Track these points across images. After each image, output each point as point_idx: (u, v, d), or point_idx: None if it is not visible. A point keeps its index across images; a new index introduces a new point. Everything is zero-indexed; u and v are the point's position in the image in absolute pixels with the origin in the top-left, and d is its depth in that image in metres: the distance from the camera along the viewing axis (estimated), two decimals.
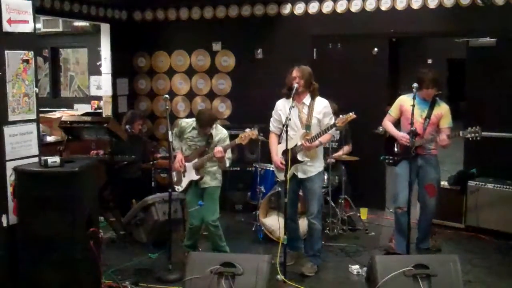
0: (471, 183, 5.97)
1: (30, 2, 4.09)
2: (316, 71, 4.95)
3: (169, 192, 4.84)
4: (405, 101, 5.17)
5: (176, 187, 5.09)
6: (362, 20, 6.69)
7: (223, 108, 7.51)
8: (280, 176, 4.91)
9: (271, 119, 5.01)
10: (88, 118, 6.36)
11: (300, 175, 4.80)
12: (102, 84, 7.88)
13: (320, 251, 4.98)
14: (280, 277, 4.31)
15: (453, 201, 6.02)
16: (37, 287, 3.85)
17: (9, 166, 3.94)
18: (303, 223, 5.23)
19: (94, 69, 9.11)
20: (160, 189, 5.75)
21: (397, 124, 5.32)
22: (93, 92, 9.17)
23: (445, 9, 6.29)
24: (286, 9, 7.07)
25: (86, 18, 7.40)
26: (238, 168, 6.80)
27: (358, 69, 6.81)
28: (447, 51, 14.10)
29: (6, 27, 3.92)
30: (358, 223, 6.25)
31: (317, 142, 4.66)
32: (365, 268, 4.49)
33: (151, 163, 5.99)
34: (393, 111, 5.26)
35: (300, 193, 5.03)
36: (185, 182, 5.04)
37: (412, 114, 4.69)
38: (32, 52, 4.14)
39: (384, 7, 6.58)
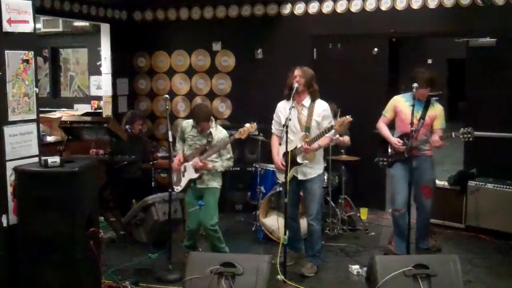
0: (471, 183, 5.97)
1: (30, 2, 4.09)
2: (316, 71, 4.94)
3: (169, 192, 4.85)
4: (399, 101, 5.14)
5: (175, 187, 5.07)
6: (362, 20, 6.69)
7: (223, 108, 7.51)
8: (281, 178, 4.92)
9: (273, 121, 5.02)
10: (88, 118, 6.37)
11: (300, 177, 4.80)
12: (102, 84, 7.88)
13: (320, 251, 4.98)
14: (280, 277, 4.31)
15: (453, 201, 6.03)
16: (37, 287, 3.85)
17: (9, 166, 3.94)
18: (303, 223, 5.23)
19: (94, 69, 9.11)
20: (160, 189, 5.76)
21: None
22: (93, 92, 9.18)
23: (445, 9, 6.29)
24: (286, 9, 7.07)
25: (86, 18, 7.40)
26: (238, 168, 6.79)
27: (358, 69, 6.81)
28: (447, 51, 14.12)
29: (6, 27, 3.92)
30: (358, 223, 6.25)
31: (316, 145, 4.66)
32: (365, 268, 4.49)
33: (151, 163, 5.99)
34: (387, 112, 5.21)
35: (301, 193, 5.03)
36: (184, 182, 5.02)
37: (412, 114, 4.68)
38: (32, 52, 4.14)
39: (384, 7, 6.58)
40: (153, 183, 6.00)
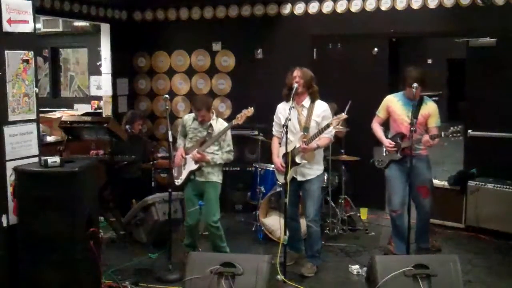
0: (471, 183, 5.97)
1: (30, 2, 4.09)
2: (316, 71, 4.95)
3: (169, 192, 4.84)
4: (391, 101, 5.11)
5: (176, 181, 5.04)
6: (362, 20, 6.69)
7: (223, 108, 7.51)
8: (280, 179, 4.92)
9: (273, 123, 5.01)
10: (88, 118, 6.37)
11: (299, 178, 4.80)
12: (102, 84, 7.88)
13: (320, 251, 4.98)
14: (280, 277, 4.31)
15: (453, 201, 6.03)
16: (37, 287, 3.85)
17: (9, 166, 3.94)
18: (303, 224, 5.23)
19: (94, 69, 9.12)
20: (160, 189, 5.75)
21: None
22: (93, 92, 9.18)
23: (445, 9, 6.29)
24: (286, 9, 7.07)
25: (86, 18, 7.39)
26: (238, 168, 6.81)
27: (358, 69, 6.81)
28: (447, 51, 14.12)
29: (6, 27, 3.92)
30: (358, 223, 6.25)
31: (314, 145, 4.66)
32: (365, 268, 4.49)
33: (151, 163, 5.99)
34: (380, 111, 5.19)
35: (300, 193, 5.02)
36: (184, 174, 4.98)
37: (413, 113, 4.68)
38: (32, 52, 4.14)
39: (384, 7, 6.58)
40: (153, 183, 5.99)
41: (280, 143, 4.87)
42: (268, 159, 5.31)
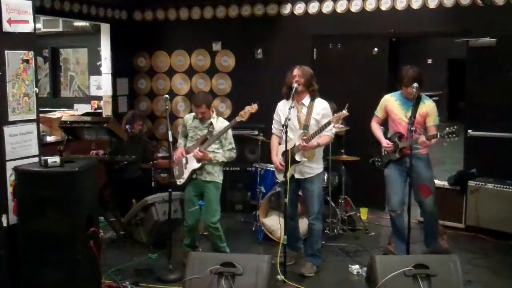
0: (471, 183, 5.97)
1: (30, 2, 4.09)
2: (316, 71, 4.94)
3: (169, 192, 4.84)
4: (389, 100, 5.09)
5: (178, 181, 5.03)
6: (362, 20, 6.69)
7: (223, 108, 7.51)
8: (280, 177, 4.92)
9: (273, 121, 5.01)
10: (88, 118, 6.36)
11: (297, 176, 4.80)
12: (102, 84, 7.88)
13: (320, 251, 4.98)
14: (280, 277, 4.32)
15: (453, 201, 6.03)
16: (37, 287, 3.85)
17: (9, 166, 3.94)
18: (302, 223, 5.23)
19: (94, 69, 9.11)
20: (160, 189, 5.75)
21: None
22: (93, 92, 9.17)
23: (445, 9, 6.29)
24: (286, 9, 7.07)
25: (86, 18, 7.39)
26: (238, 168, 6.81)
27: (358, 69, 6.81)
28: (447, 51, 14.12)
29: (6, 27, 3.92)
30: (358, 223, 6.25)
31: (314, 143, 4.66)
32: (365, 268, 4.49)
33: (151, 163, 5.99)
34: (378, 111, 5.18)
35: (300, 193, 5.02)
36: (186, 173, 4.96)
37: (413, 113, 4.68)
38: (32, 52, 4.14)
39: (384, 7, 6.58)
40: (153, 183, 5.99)
41: (280, 143, 4.87)
42: (268, 159, 5.30)
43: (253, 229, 6.03)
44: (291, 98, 4.62)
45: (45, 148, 5.01)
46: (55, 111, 8.57)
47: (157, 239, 5.43)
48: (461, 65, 6.93)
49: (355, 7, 6.72)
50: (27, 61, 4.09)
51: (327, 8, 6.85)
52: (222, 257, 3.82)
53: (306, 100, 4.80)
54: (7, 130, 3.96)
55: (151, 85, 7.99)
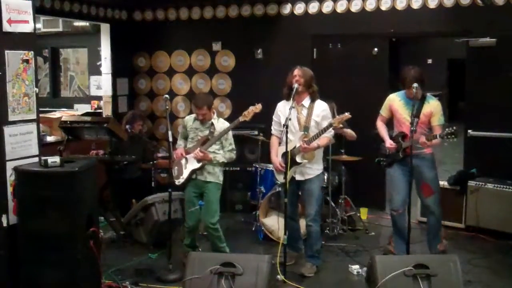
0: (471, 183, 5.97)
1: (30, 2, 4.09)
2: (316, 71, 4.95)
3: (169, 192, 4.84)
4: (393, 100, 5.09)
5: (177, 181, 5.02)
6: (362, 20, 6.69)
7: (223, 108, 7.51)
8: (279, 178, 4.92)
9: (272, 122, 5.01)
10: (88, 118, 6.36)
11: (298, 177, 4.80)
12: (102, 84, 7.88)
13: (320, 251, 4.98)
14: (280, 277, 4.32)
15: (453, 201, 6.03)
16: (37, 287, 3.85)
17: (9, 166, 3.94)
18: (303, 224, 5.23)
19: (94, 69, 9.11)
20: (160, 189, 5.75)
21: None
22: (93, 92, 9.17)
23: (445, 9, 6.29)
24: (286, 9, 7.07)
25: (86, 18, 7.39)
26: (238, 168, 6.81)
27: (358, 69, 6.81)
28: (447, 51, 14.12)
29: (6, 27, 3.92)
30: (358, 223, 6.25)
31: (315, 144, 4.66)
32: (365, 268, 4.49)
33: (151, 163, 5.99)
34: (383, 110, 5.18)
35: (300, 193, 5.02)
36: (186, 173, 4.96)
37: (412, 113, 4.68)
38: (32, 52, 4.14)
39: (384, 7, 6.58)
40: (153, 183, 5.99)
41: (280, 143, 4.87)
42: (268, 159, 5.31)
43: (253, 229, 6.03)
44: (291, 99, 4.61)
45: (45, 148, 5.02)
46: (55, 111, 8.57)
47: (157, 239, 5.43)
48: (461, 65, 6.93)
49: (355, 7, 6.72)
50: (27, 61, 4.09)
51: (327, 8, 6.85)
52: (222, 257, 3.83)
53: (306, 101, 4.80)
54: (7, 130, 3.96)
55: (151, 85, 7.99)
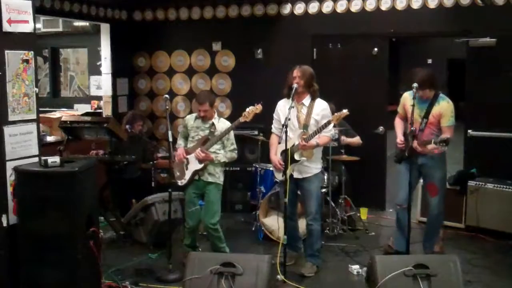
0: (471, 183, 5.97)
1: (30, 2, 4.09)
2: (316, 71, 4.94)
3: (169, 192, 4.84)
4: (406, 99, 5.10)
5: (179, 181, 5.03)
6: (362, 20, 6.69)
7: (223, 108, 7.51)
8: (278, 176, 4.92)
9: (273, 120, 5.01)
10: (88, 118, 6.36)
11: (296, 175, 4.80)
12: (102, 84, 7.88)
13: (320, 251, 4.98)
14: (280, 277, 4.32)
15: (453, 201, 6.02)
16: (37, 287, 3.85)
17: (9, 166, 3.94)
18: (302, 224, 5.23)
19: (94, 69, 9.11)
20: (160, 189, 5.75)
21: None
22: (93, 92, 9.18)
23: (445, 9, 6.29)
24: (286, 9, 7.07)
25: (86, 18, 7.39)
26: (238, 168, 6.81)
27: (358, 69, 6.81)
28: (447, 51, 14.12)
29: (6, 27, 3.91)
30: (358, 223, 6.25)
31: (314, 142, 4.66)
32: (365, 268, 4.49)
33: (151, 163, 5.98)
34: (399, 108, 5.22)
35: (299, 193, 5.02)
36: (188, 174, 4.95)
37: (412, 113, 4.68)
38: (32, 52, 4.13)
39: (384, 7, 6.58)
40: (153, 183, 5.99)
41: (279, 142, 4.87)
42: (268, 159, 5.31)
43: (253, 229, 6.03)
44: (291, 98, 4.62)
45: (45, 148, 5.02)
46: (55, 111, 8.58)
47: (157, 239, 5.43)
48: (461, 65, 6.92)
49: (355, 7, 6.72)
50: (27, 61, 4.09)
51: (327, 8, 6.85)
52: (222, 257, 3.82)
53: (307, 100, 4.80)
54: (7, 130, 3.96)
55: (151, 85, 7.99)
